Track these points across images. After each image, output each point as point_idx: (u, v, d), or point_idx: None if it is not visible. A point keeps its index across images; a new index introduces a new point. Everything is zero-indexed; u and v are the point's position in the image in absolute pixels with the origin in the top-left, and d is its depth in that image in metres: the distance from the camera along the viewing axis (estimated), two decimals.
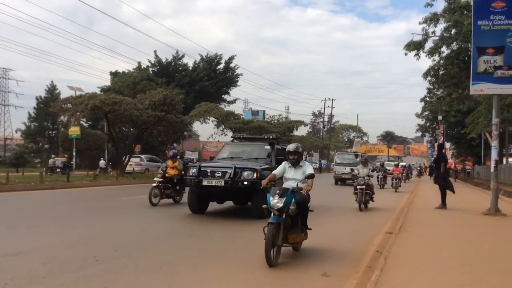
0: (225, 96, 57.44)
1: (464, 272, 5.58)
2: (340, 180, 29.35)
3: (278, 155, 11.77)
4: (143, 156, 36.65)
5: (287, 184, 6.67)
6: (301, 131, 66.19)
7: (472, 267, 5.87)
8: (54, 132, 54.80)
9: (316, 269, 5.90)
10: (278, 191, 6.07)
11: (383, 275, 5.21)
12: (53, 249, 6.86)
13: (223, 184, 10.46)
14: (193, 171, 10.96)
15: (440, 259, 6.30)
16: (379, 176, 26.05)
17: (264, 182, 6.48)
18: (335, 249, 7.43)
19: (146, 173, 31.99)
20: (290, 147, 6.83)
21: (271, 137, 13.42)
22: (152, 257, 6.48)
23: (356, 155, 31.52)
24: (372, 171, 14.28)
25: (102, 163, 37.00)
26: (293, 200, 6.11)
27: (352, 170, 14.61)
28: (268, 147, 12.23)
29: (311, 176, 6.60)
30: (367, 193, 13.62)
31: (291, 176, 6.76)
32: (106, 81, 54.27)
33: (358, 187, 13.56)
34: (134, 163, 32.74)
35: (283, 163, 6.95)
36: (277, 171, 6.85)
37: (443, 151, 16.34)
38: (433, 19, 20.59)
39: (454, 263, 6.05)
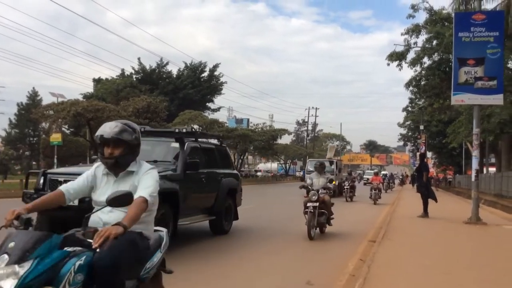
0: (209, 104, 57.65)
1: (446, 281, 5.62)
2: None
3: (192, 156, 8.14)
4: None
5: (94, 218, 3.09)
6: (285, 140, 66.51)
7: (454, 275, 5.92)
8: (35, 138, 54.14)
9: (300, 278, 5.87)
10: (12, 244, 2.36)
11: (366, 283, 5.22)
12: None
13: (77, 203, 5.36)
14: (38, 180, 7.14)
15: (422, 267, 6.35)
16: (345, 187, 22.64)
17: (7, 218, 2.68)
18: (318, 257, 7.42)
19: None
20: (105, 128, 3.18)
21: (184, 130, 8.88)
22: None
23: (331, 162, 27.86)
24: (330, 181, 10.28)
25: None
26: (74, 265, 2.49)
27: (302, 179, 10.71)
28: (176, 144, 8.25)
29: (126, 200, 2.81)
30: (322, 213, 9.27)
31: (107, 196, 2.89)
32: (89, 88, 54.01)
33: (309, 204, 9.13)
34: None
35: (94, 166, 3.46)
36: (75, 184, 3.31)
37: (425, 160, 16.50)
38: (415, 30, 20.97)
39: (436, 271, 6.09)
